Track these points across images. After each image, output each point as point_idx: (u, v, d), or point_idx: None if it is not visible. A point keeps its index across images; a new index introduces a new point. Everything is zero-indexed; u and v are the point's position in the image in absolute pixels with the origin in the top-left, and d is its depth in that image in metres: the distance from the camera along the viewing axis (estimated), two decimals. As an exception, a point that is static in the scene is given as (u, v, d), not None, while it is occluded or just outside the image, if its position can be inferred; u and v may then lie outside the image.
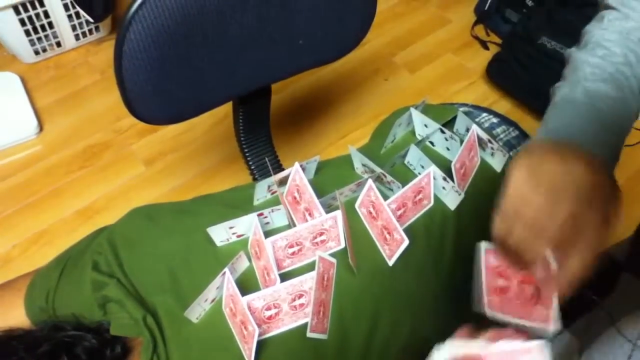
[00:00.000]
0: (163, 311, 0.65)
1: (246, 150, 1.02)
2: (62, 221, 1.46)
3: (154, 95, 0.75)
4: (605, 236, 0.48)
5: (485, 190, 0.78)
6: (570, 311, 0.71)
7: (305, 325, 0.64)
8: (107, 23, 1.85)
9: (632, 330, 0.54)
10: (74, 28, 1.78)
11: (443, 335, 0.77)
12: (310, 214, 0.69)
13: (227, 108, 1.05)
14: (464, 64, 1.89)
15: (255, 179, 1.06)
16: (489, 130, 0.87)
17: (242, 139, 1.00)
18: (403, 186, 0.71)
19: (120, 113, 1.68)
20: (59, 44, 1.81)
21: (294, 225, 0.71)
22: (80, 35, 1.82)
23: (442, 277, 0.73)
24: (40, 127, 1.63)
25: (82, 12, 1.71)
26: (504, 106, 1.75)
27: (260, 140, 1.03)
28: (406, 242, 0.66)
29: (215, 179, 1.51)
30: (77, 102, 1.71)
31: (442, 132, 0.77)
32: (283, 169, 1.12)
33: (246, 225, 0.68)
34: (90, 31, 1.83)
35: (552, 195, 0.49)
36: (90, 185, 1.53)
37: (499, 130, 0.89)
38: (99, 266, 0.69)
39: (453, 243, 0.74)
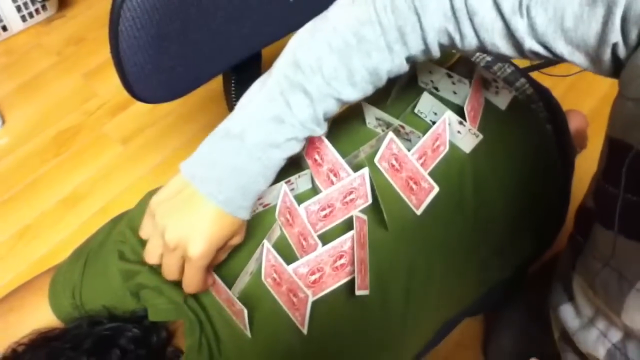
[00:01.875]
0: (203, 291, 0.65)
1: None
2: (46, 213, 1.41)
3: (154, 74, 0.72)
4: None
5: (493, 130, 0.79)
6: (572, 254, 0.74)
7: (346, 284, 0.65)
8: (53, 1, 1.75)
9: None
10: (18, 9, 1.68)
11: (468, 281, 0.80)
12: (335, 175, 0.68)
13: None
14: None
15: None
16: (486, 69, 0.87)
17: (234, 105, 0.98)
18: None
19: (86, 94, 1.61)
20: (4, 28, 1.70)
21: (317, 188, 0.70)
22: (27, 16, 1.72)
23: (466, 222, 0.75)
24: (2, 120, 1.55)
25: (26, -9, 1.61)
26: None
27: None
28: (436, 189, 0.66)
29: (198, 150, 1.47)
30: (37, 88, 1.63)
31: (450, 76, 0.77)
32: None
33: (274, 194, 0.67)
34: (37, 11, 1.73)
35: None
36: (69, 172, 1.48)
37: (495, 68, 0.89)
38: (125, 255, 0.68)
39: (472, 186, 0.75)
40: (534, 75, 1.73)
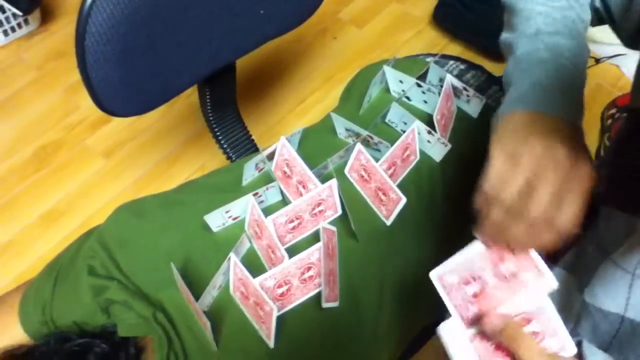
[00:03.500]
0: (171, 305, 0.64)
1: (216, 129, 0.99)
2: (27, 229, 1.40)
3: (122, 88, 0.71)
4: (580, 211, 0.49)
5: (465, 138, 0.80)
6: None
7: (316, 296, 0.65)
8: (36, 15, 1.74)
9: (628, 260, 0.56)
10: (0, 24, 1.67)
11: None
12: (304, 186, 0.68)
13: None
14: (409, 12, 1.89)
15: (229, 157, 1.04)
16: (458, 77, 0.88)
17: (210, 118, 0.98)
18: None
19: (67, 108, 1.60)
20: (-14, 43, 1.70)
21: (287, 200, 0.70)
22: (9, 31, 1.71)
23: (438, 229, 0.75)
24: (-18, 137, 1.54)
25: (7, 6, 1.61)
26: (455, 49, 1.77)
27: (229, 118, 1.01)
28: (403, 199, 0.66)
29: (181, 161, 1.47)
30: (17, 104, 1.62)
31: (419, 85, 0.77)
32: (255, 144, 1.10)
33: (242, 207, 0.67)
34: (19, 25, 1.72)
35: (532, 177, 0.49)
36: (50, 187, 1.47)
37: (468, 76, 0.90)
38: (95, 270, 0.67)
39: (442, 194, 0.76)
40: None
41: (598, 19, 0.61)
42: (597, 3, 0.60)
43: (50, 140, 1.55)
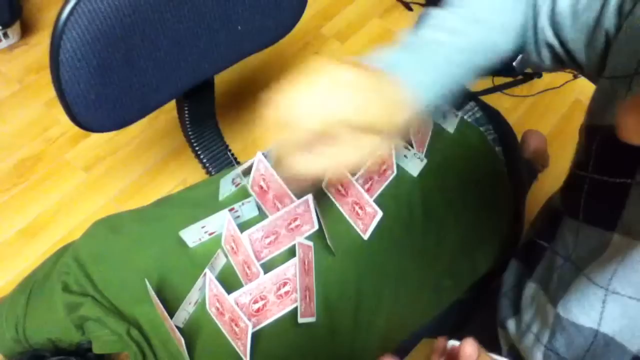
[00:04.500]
0: (146, 321, 0.64)
1: (195, 144, 0.99)
2: (5, 244, 1.39)
3: (97, 104, 0.71)
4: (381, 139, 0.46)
5: (442, 151, 0.81)
6: (527, 261, 0.75)
7: (292, 311, 0.65)
8: (16, 29, 1.73)
9: (601, 275, 0.56)
10: (-21, 37, 1.66)
11: (419, 302, 0.80)
12: (280, 202, 0.68)
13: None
14: (391, 28, 1.91)
15: (208, 172, 1.04)
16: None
17: (189, 133, 0.98)
18: (366, 160, 0.71)
19: (46, 122, 1.59)
20: (-34, 57, 1.68)
21: (264, 215, 0.70)
22: (-11, 44, 1.70)
23: (415, 243, 0.75)
24: (-39, 150, 1.52)
25: (-14, 20, 1.60)
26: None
27: (209, 133, 1.01)
28: (380, 214, 0.67)
29: (162, 175, 1.46)
30: (-3, 117, 1.61)
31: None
32: (235, 158, 1.10)
33: (218, 222, 0.67)
34: (-2, 38, 1.71)
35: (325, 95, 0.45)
36: (29, 201, 1.45)
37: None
38: (69, 287, 0.67)
39: (421, 207, 0.76)
40: (497, 95, 1.78)
41: (554, 57, 0.60)
42: (551, 39, 0.58)
43: (30, 154, 1.53)
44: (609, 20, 0.51)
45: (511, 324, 0.74)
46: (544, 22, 0.57)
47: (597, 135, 0.57)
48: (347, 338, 0.68)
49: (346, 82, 0.45)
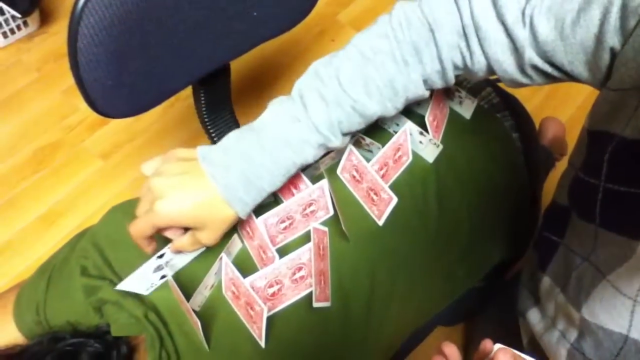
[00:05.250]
0: (163, 305, 0.65)
1: (211, 130, 1.00)
2: (25, 230, 1.41)
3: (115, 90, 0.72)
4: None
5: (457, 138, 0.80)
6: (540, 253, 0.74)
7: (307, 296, 0.65)
8: (35, 17, 1.75)
9: (629, 286, 0.55)
10: (-1, 26, 1.69)
11: (432, 290, 0.80)
12: (295, 187, 0.68)
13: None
14: (407, 15, 1.89)
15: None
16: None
17: (206, 120, 0.98)
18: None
19: (65, 110, 1.61)
20: (-15, 45, 1.71)
21: (280, 200, 0.71)
22: (8, 33, 1.72)
23: (430, 231, 0.75)
24: (-19, 138, 1.55)
25: (5, 8, 1.62)
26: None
27: (225, 119, 1.01)
28: (395, 199, 0.67)
29: (178, 163, 1.47)
30: (16, 105, 1.63)
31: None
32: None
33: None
34: (18, 27, 1.73)
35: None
36: (48, 188, 1.47)
37: (460, 77, 0.90)
38: (87, 271, 0.68)
39: (435, 195, 0.76)
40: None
41: (544, 76, 0.58)
42: (540, 64, 0.56)
43: (49, 142, 1.55)
44: (612, 38, 0.49)
45: (533, 316, 0.73)
46: (530, 54, 0.55)
47: (608, 145, 0.54)
48: (360, 324, 0.68)
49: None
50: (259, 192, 0.58)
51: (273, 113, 0.59)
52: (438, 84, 0.62)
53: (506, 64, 0.57)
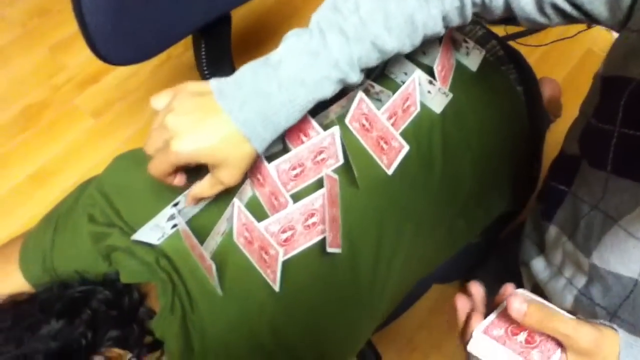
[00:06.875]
0: (173, 251, 0.65)
1: (211, 84, 0.98)
2: (15, 189, 1.39)
3: (117, 36, 0.70)
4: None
5: (463, 89, 0.80)
6: (546, 203, 0.75)
7: (318, 243, 0.65)
8: (17, -30, 1.69)
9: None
10: (-20, -21, 1.62)
11: (436, 242, 0.81)
12: (305, 134, 0.68)
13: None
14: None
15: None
16: (456, 30, 0.87)
17: (205, 72, 0.96)
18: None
19: (52, 68, 1.57)
20: (-35, 0, 1.64)
21: (288, 148, 0.70)
22: (-11, -13, 1.66)
23: (434, 182, 0.75)
24: (-35, 96, 1.50)
25: (-13, -39, 1.56)
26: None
27: (225, 73, 0.99)
28: (406, 147, 0.67)
29: (171, 121, 1.45)
30: (1, 62, 1.58)
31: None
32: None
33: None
34: (-1, -19, 1.67)
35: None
36: (37, 147, 1.44)
37: (466, 30, 0.89)
38: (95, 218, 0.67)
39: (441, 147, 0.76)
40: (509, 44, 1.75)
41: (563, 15, 0.58)
42: (560, 2, 0.56)
43: (37, 100, 1.51)
44: None
45: (537, 264, 0.74)
46: None
47: (624, 90, 0.55)
48: (368, 272, 0.69)
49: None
50: (276, 128, 0.57)
51: (290, 47, 0.57)
52: (455, 21, 0.61)
53: (524, 2, 0.57)
